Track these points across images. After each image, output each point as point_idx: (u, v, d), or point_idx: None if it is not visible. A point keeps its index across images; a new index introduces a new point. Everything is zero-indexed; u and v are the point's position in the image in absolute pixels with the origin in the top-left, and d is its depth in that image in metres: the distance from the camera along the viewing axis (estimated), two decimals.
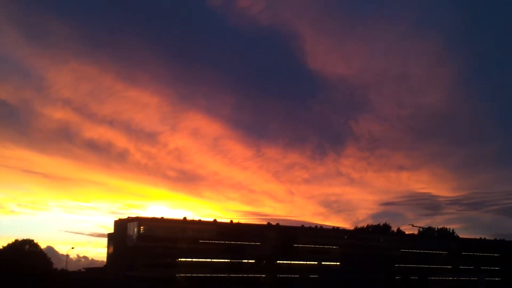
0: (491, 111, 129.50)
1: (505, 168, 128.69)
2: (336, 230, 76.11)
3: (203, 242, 60.74)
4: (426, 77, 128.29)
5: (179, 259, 58.75)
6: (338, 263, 69.38)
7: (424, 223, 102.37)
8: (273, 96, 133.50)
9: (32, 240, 58.83)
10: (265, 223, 68.49)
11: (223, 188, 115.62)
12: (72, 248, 67.98)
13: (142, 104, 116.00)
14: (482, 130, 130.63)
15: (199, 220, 62.44)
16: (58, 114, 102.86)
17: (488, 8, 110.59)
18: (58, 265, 64.36)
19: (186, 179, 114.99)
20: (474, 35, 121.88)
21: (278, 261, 64.67)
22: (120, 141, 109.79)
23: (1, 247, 56.11)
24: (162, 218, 58.00)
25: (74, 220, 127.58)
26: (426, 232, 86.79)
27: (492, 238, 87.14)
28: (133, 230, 57.37)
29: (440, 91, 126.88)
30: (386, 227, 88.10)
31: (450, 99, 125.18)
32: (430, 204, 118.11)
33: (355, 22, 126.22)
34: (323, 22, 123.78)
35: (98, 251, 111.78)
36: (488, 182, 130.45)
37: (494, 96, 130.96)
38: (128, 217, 58.61)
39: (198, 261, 59.56)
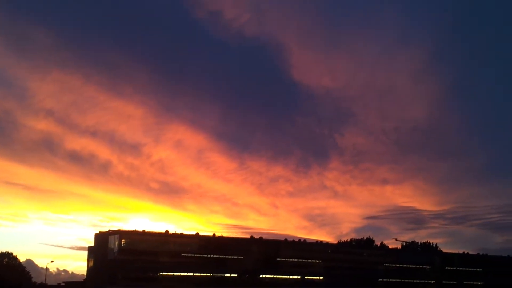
0: (474, 125, 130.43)
1: (488, 182, 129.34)
2: (319, 244, 75.74)
3: (185, 255, 60.02)
4: (410, 91, 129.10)
5: (161, 273, 57.97)
6: (322, 278, 68.90)
7: (408, 237, 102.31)
8: (258, 109, 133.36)
9: (11, 253, 57.77)
10: (248, 236, 68.03)
11: (206, 201, 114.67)
12: (52, 261, 66.76)
13: (126, 115, 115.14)
14: (465, 144, 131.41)
15: (181, 234, 61.76)
16: (40, 125, 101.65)
17: (471, 23, 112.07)
18: (37, 279, 63.32)
19: (169, 192, 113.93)
20: (458, 49, 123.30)
21: (261, 275, 64.08)
22: (103, 152, 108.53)
23: None
24: (144, 231, 57.23)
25: (54, 233, 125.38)
26: (410, 246, 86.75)
27: (475, 252, 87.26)
28: (114, 243, 56.48)
29: (424, 105, 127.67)
30: (370, 241, 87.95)
31: (433, 113, 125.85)
32: (413, 218, 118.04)
33: (341, 35, 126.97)
34: (308, 35, 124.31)
35: (79, 265, 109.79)
36: (471, 196, 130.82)
37: (477, 110, 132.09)
38: (109, 230, 57.76)
39: (180, 275, 58.81)
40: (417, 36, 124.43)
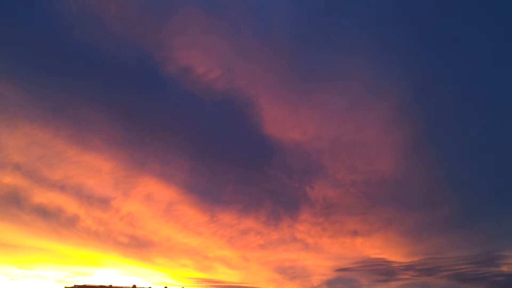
0: (442, 176, 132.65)
1: (456, 233, 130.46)
2: None
3: None
4: (378, 144, 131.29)
5: None
6: None
7: None
8: (229, 162, 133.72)
9: None
10: None
11: (175, 254, 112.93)
12: None
13: (95, 169, 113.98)
14: (432, 196, 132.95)
15: None
16: (7, 179, 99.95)
17: (438, 75, 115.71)
18: None
19: (138, 245, 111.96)
20: (425, 101, 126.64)
21: None
22: (71, 206, 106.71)
23: None
24: (111, 286, 56.42)
25: None
26: None
27: None
28: None
29: (392, 157, 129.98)
30: None
31: (401, 165, 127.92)
32: (384, 270, 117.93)
33: (309, 89, 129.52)
34: (278, 89, 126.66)
35: None
36: (440, 247, 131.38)
37: (444, 161, 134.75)
38: (75, 285, 56.78)
39: None
40: (384, 89, 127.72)
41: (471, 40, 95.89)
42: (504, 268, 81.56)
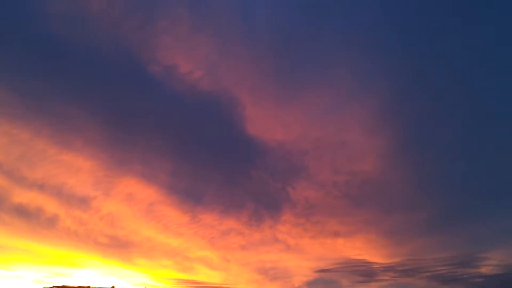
0: (423, 179, 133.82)
1: (436, 235, 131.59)
2: None
3: None
4: (361, 145, 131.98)
5: None
6: None
7: None
8: (211, 162, 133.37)
9: None
10: None
11: (156, 255, 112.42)
12: None
13: (76, 169, 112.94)
14: (414, 198, 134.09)
15: None
16: None
17: (421, 77, 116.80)
18: None
19: (118, 246, 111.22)
20: (408, 104, 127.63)
21: None
22: (51, 206, 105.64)
23: None
24: (89, 287, 56.10)
25: None
26: None
27: None
28: None
29: (374, 159, 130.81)
30: None
31: (383, 167, 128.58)
32: (365, 271, 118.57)
33: (293, 90, 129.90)
34: (262, 90, 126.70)
35: None
36: (421, 249, 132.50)
37: (426, 164, 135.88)
38: (53, 286, 56.38)
39: None
40: (367, 92, 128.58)
41: (455, 43, 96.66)
42: (483, 270, 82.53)
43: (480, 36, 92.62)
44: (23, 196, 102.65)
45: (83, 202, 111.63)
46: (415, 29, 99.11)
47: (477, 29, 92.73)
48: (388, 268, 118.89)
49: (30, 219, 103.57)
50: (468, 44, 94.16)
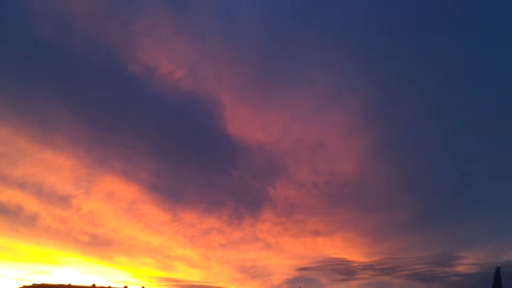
0: (402, 180, 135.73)
1: (414, 234, 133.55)
2: None
3: None
4: (341, 146, 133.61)
5: None
6: None
7: None
8: (193, 161, 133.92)
9: None
10: None
11: (137, 253, 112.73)
12: None
13: (56, 167, 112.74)
14: (393, 198, 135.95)
15: (109, 287, 61.23)
16: None
17: (402, 79, 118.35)
18: None
19: (99, 244, 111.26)
20: (388, 107, 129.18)
21: None
22: (31, 204, 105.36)
23: None
24: (70, 284, 56.48)
25: None
26: None
27: None
28: None
29: (354, 160, 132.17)
30: None
31: (363, 168, 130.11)
32: (344, 269, 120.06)
33: (274, 91, 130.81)
34: (243, 90, 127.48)
35: None
36: (399, 248, 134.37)
37: (405, 166, 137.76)
38: (33, 284, 56.65)
39: None
40: (349, 93, 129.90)
41: (438, 44, 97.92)
42: (460, 268, 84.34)
43: (464, 38, 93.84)
44: (3, 194, 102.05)
45: (63, 200, 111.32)
46: (399, 30, 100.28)
47: (462, 30, 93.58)
48: (367, 267, 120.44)
49: (10, 217, 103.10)
50: (452, 45, 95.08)
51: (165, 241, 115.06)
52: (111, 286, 61.95)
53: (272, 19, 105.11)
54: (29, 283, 57.91)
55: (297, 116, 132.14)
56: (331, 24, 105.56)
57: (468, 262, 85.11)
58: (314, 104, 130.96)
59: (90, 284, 59.18)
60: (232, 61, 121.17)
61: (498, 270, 49.03)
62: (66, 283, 55.95)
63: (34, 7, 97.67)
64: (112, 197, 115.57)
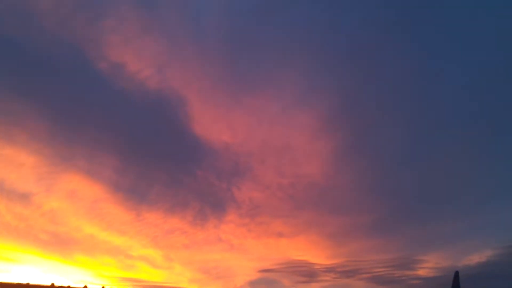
0: (367, 184, 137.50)
1: (377, 238, 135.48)
2: None
3: None
4: (307, 149, 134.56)
5: None
6: None
7: None
8: (157, 161, 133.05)
9: None
10: None
11: (98, 253, 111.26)
12: None
13: (17, 164, 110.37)
14: (356, 202, 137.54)
15: (69, 286, 60.44)
16: None
17: (369, 82, 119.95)
18: None
19: (60, 243, 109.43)
20: (353, 111, 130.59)
21: None
22: None
23: None
24: (28, 284, 55.54)
25: None
26: None
27: None
28: None
29: (319, 163, 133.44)
30: None
31: (328, 171, 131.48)
32: (306, 271, 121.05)
33: (241, 92, 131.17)
34: (210, 91, 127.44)
35: None
36: (361, 251, 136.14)
37: (370, 169, 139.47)
38: None
39: None
40: (315, 96, 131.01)
41: (403, 47, 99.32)
42: (420, 272, 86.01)
43: (427, 40, 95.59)
44: None
45: (24, 197, 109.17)
46: (364, 32, 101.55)
47: (425, 31, 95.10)
48: (329, 269, 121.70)
49: None
50: (416, 48, 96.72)
51: (127, 241, 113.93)
52: (71, 285, 61.19)
53: (240, 20, 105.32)
54: None
55: (263, 117, 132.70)
56: (297, 26, 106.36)
57: (428, 265, 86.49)
58: (281, 105, 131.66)
59: (49, 283, 58.29)
60: (199, 61, 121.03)
61: (457, 274, 50.23)
62: (24, 282, 55.01)
63: None
64: (74, 196, 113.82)
